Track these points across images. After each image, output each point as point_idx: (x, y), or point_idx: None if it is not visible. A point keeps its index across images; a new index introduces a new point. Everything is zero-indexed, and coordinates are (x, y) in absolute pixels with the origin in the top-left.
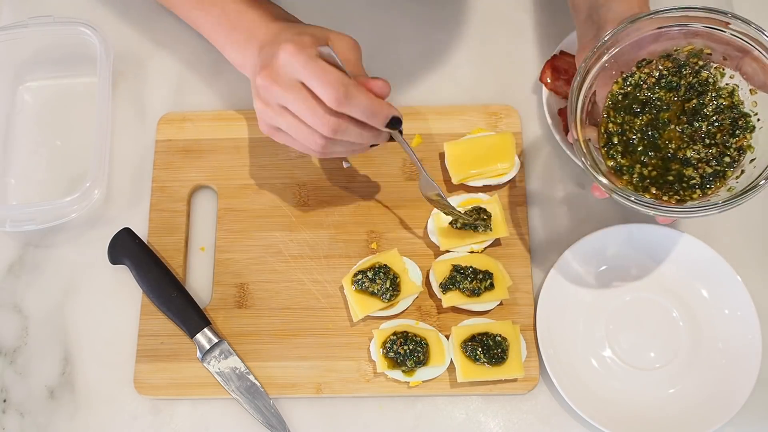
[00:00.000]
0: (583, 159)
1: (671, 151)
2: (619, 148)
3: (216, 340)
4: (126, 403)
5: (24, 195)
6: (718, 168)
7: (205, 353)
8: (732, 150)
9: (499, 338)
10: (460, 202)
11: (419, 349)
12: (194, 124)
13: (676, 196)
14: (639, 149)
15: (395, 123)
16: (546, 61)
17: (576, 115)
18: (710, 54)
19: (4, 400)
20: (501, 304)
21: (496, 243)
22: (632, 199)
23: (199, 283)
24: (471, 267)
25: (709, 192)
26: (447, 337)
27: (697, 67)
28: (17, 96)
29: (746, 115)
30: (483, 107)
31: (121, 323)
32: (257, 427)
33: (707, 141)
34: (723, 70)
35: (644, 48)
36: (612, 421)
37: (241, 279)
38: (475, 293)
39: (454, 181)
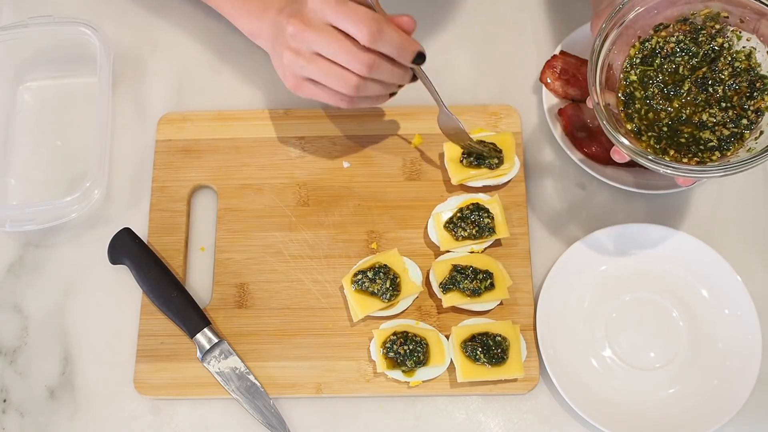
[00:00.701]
0: (604, 122)
1: (684, 115)
2: (640, 110)
3: (216, 340)
4: (126, 403)
5: (24, 195)
6: (736, 130)
7: (205, 353)
8: (749, 112)
9: (499, 338)
10: (460, 202)
11: (419, 349)
12: (194, 124)
13: (695, 158)
14: (649, 114)
15: (420, 58)
16: (546, 61)
17: (596, 79)
18: (727, 17)
19: (4, 400)
20: (501, 304)
21: (496, 243)
22: (650, 158)
23: (199, 283)
24: (471, 267)
25: (728, 153)
26: (447, 337)
27: (713, 32)
28: (17, 96)
29: (764, 77)
30: (483, 107)
31: (121, 323)
32: (257, 427)
33: (723, 104)
34: (740, 33)
35: (661, 13)
36: (612, 421)
37: (241, 279)
38: (475, 293)
39: (454, 181)
